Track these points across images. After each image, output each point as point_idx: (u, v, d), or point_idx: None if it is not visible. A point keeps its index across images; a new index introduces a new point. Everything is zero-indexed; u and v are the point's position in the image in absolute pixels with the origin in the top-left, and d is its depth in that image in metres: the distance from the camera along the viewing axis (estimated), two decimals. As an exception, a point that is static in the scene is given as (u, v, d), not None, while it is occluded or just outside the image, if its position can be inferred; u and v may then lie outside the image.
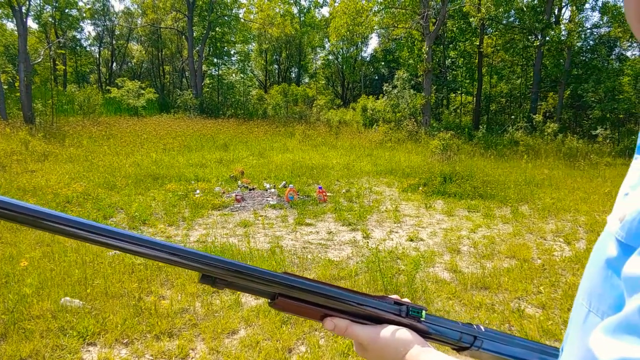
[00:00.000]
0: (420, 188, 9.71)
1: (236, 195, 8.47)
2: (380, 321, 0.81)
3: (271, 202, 8.32)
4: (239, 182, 9.74)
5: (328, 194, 8.87)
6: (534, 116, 19.50)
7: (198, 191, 8.83)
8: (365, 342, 0.79)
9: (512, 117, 24.09)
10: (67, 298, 4.08)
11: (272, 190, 9.10)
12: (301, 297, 0.78)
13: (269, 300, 0.79)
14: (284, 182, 9.79)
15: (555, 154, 15.09)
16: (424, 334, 0.82)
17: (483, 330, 0.84)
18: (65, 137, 14.81)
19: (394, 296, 0.85)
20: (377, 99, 23.76)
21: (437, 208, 8.34)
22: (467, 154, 14.55)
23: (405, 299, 0.84)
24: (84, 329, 3.64)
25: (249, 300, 4.37)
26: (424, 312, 0.82)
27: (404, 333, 0.79)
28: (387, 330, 0.79)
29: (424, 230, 6.89)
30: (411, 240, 6.37)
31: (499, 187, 9.84)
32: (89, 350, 3.47)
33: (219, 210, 7.79)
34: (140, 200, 7.97)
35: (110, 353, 3.40)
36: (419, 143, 16.72)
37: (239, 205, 8.09)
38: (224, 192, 8.92)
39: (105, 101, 25.06)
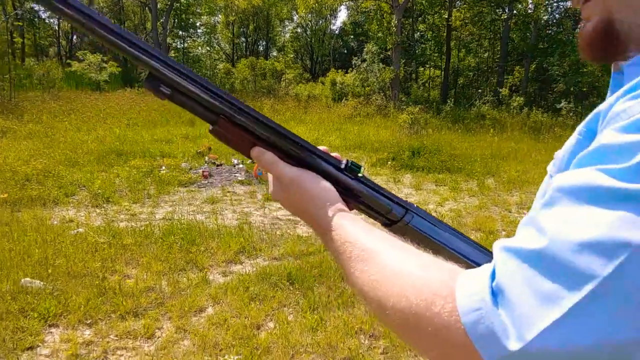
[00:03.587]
0: (389, 162, 9.75)
1: (203, 172, 8.33)
2: (313, 169, 0.77)
3: (239, 178, 8.22)
4: (206, 157, 9.57)
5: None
6: (500, 90, 19.76)
7: (164, 167, 8.64)
8: (287, 181, 0.75)
9: (480, 91, 24.36)
10: (28, 279, 3.95)
11: (240, 166, 8.98)
12: (243, 123, 0.74)
13: (210, 127, 0.75)
14: (252, 157, 9.67)
15: (521, 127, 15.35)
16: (355, 198, 0.78)
17: (415, 207, 0.81)
18: (23, 112, 14.24)
19: (337, 155, 0.82)
20: (347, 73, 23.59)
21: (405, 182, 8.40)
22: (435, 128, 14.66)
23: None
24: (45, 310, 3.53)
25: (217, 278, 4.33)
26: (362, 170, 0.79)
27: (330, 186, 0.75)
28: (314, 176, 0.76)
29: (393, 204, 6.92)
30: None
31: (465, 160, 9.97)
32: (50, 332, 3.38)
33: (185, 186, 7.65)
34: (103, 177, 7.76)
35: (73, 334, 3.32)
36: (387, 117, 16.74)
37: (206, 182, 7.97)
38: (190, 168, 8.77)
39: (65, 75, 24.12)
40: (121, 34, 0.65)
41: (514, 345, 0.40)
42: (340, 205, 0.73)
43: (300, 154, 0.77)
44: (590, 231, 0.41)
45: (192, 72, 0.70)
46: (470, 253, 0.77)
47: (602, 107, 0.53)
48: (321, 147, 0.80)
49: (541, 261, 0.42)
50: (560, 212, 0.44)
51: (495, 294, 0.44)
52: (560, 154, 0.62)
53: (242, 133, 0.75)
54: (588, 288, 0.39)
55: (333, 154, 0.81)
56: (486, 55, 27.42)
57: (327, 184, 0.75)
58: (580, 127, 0.58)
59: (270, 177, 0.82)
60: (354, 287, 0.61)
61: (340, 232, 0.66)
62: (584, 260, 0.40)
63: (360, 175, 0.78)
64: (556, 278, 0.41)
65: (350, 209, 0.78)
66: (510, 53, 24.41)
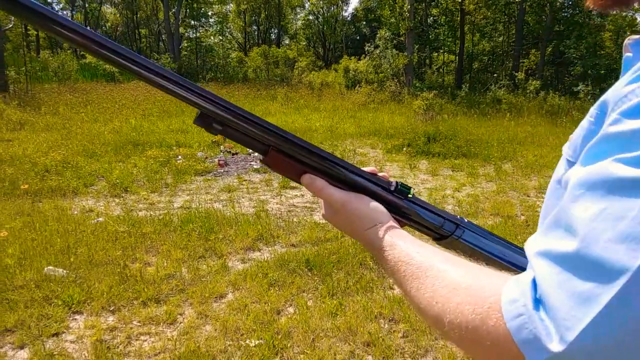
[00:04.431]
0: (404, 149, 9.70)
1: (219, 160, 8.37)
2: (363, 192, 0.80)
3: (255, 166, 8.25)
4: (222, 147, 9.61)
5: (312, 157, 8.81)
6: (516, 74, 19.49)
7: (180, 157, 8.70)
8: (337, 204, 0.79)
9: (495, 75, 24.06)
10: (51, 267, 4.03)
11: (256, 154, 9.00)
12: (292, 152, 0.77)
13: (261, 157, 0.79)
14: (267, 145, 9.69)
15: (538, 111, 15.15)
16: (406, 217, 0.81)
17: (466, 221, 0.83)
18: (40, 104, 14.41)
19: (384, 175, 0.84)
20: (359, 59, 23.44)
21: (421, 168, 8.35)
22: (450, 113, 14.54)
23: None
24: (69, 298, 3.59)
25: (236, 265, 4.36)
26: (412, 191, 0.81)
27: (379, 206, 0.78)
28: (363, 198, 0.78)
29: (409, 190, 6.89)
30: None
31: (482, 145, 9.88)
32: (75, 319, 3.44)
33: (202, 175, 7.70)
34: (121, 168, 7.84)
35: (97, 321, 3.38)
36: (402, 104, 16.64)
37: (222, 170, 8.01)
38: (206, 158, 8.81)
39: (80, 67, 24.34)
40: (169, 76, 0.69)
41: (556, 347, 0.42)
42: (391, 223, 0.75)
43: (348, 178, 0.79)
44: (616, 225, 0.41)
45: (239, 107, 0.74)
46: (523, 262, 0.78)
47: (611, 90, 0.53)
48: (368, 169, 0.83)
49: (574, 263, 0.44)
50: (585, 209, 0.45)
51: (537, 299, 0.45)
52: (575, 135, 0.63)
53: (291, 162, 0.78)
54: (621, 282, 0.40)
55: (380, 174, 0.83)
56: (501, 39, 27.02)
57: (376, 204, 0.78)
58: (592, 110, 0.58)
59: (321, 200, 0.84)
60: (412, 305, 0.62)
61: (393, 252, 0.68)
62: (614, 254, 0.41)
63: (410, 195, 0.81)
64: (590, 277, 0.42)
65: (402, 226, 0.80)
66: (525, 36, 24.02)
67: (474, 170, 8.08)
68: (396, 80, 19.66)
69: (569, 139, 0.66)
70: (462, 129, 11.48)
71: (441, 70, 30.41)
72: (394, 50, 20.60)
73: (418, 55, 25.34)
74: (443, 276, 0.58)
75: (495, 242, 0.81)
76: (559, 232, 0.47)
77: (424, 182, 7.37)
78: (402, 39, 22.03)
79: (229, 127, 0.74)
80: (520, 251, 0.80)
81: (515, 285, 0.49)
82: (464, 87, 21.00)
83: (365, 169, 0.82)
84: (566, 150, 0.65)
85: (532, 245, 0.50)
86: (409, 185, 0.81)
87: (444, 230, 0.81)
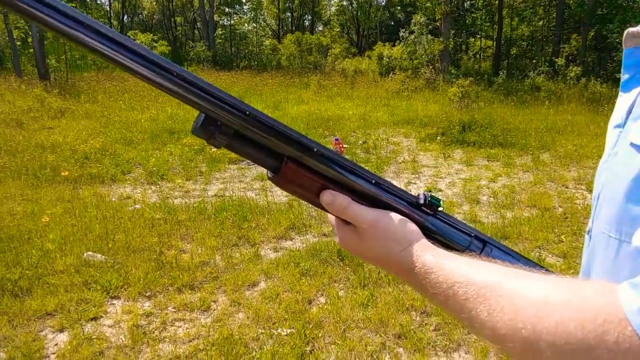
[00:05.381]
0: (439, 137, 9.56)
1: (252, 148, 8.42)
2: (387, 208, 0.69)
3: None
4: (255, 134, 9.67)
5: (344, 146, 8.78)
6: (556, 60, 18.88)
7: (214, 145, 8.80)
8: (364, 225, 0.67)
9: (534, 61, 23.37)
10: (90, 253, 4.15)
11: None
12: (312, 165, 0.65)
13: (270, 175, 0.68)
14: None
15: (578, 99, 14.65)
16: (431, 234, 0.71)
17: (493, 240, 0.75)
18: (80, 93, 14.78)
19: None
20: (394, 46, 23.10)
21: (455, 158, 8.22)
22: (487, 101, 14.22)
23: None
24: (108, 283, 3.71)
25: (268, 253, 4.40)
26: (442, 203, 0.71)
27: (409, 222, 0.68)
28: (393, 216, 0.68)
29: (443, 180, 6.81)
30: (430, 191, 6.31)
31: (519, 134, 9.64)
32: (112, 304, 3.54)
33: (235, 164, 7.78)
34: (157, 155, 7.99)
35: (133, 306, 3.47)
36: (436, 91, 16.35)
37: (255, 158, 8.06)
38: (240, 145, 8.88)
39: (118, 55, 24.80)
40: (161, 63, 0.54)
41: None
42: (428, 242, 0.66)
43: (374, 193, 0.69)
44: None
45: (255, 109, 0.60)
46: None
47: None
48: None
49: None
50: None
51: None
52: (625, 106, 0.60)
53: (313, 177, 0.66)
54: None
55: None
56: (541, 23, 26.17)
57: (406, 220, 0.68)
58: None
59: (334, 222, 0.73)
60: (482, 334, 0.52)
61: (443, 273, 0.58)
62: None
63: (440, 209, 0.72)
64: None
65: None
66: (566, 20, 23.21)
67: (510, 160, 7.90)
68: (431, 67, 19.33)
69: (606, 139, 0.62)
70: (499, 117, 11.22)
71: (478, 56, 29.72)
72: (429, 35, 20.22)
73: (454, 41, 24.81)
74: (524, 294, 0.49)
75: (522, 260, 0.73)
76: None
77: (459, 172, 7.26)
78: (437, 24, 21.59)
79: (239, 137, 0.61)
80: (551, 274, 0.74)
81: (633, 290, 0.43)
82: (501, 73, 20.47)
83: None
84: (615, 120, 0.61)
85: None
86: (438, 197, 0.71)
87: (471, 251, 0.72)
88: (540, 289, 0.48)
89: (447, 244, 0.72)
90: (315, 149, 0.64)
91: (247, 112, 0.59)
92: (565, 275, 0.51)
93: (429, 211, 0.71)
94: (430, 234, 0.71)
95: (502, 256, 0.72)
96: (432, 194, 0.71)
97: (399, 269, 0.66)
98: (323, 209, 0.69)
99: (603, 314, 0.42)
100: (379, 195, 0.69)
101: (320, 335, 3.15)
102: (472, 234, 0.73)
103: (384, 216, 0.67)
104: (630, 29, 0.62)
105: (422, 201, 0.70)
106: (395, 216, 0.68)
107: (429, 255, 0.62)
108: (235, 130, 0.60)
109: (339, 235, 0.72)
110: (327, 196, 0.67)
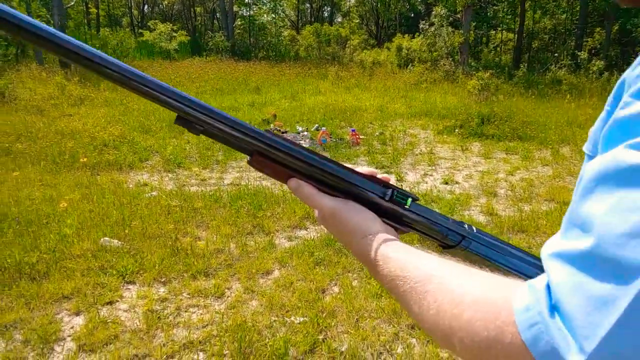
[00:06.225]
0: (457, 130, 9.45)
1: (269, 138, 8.42)
2: (355, 199, 0.73)
3: (304, 145, 8.26)
4: (272, 125, 9.67)
5: (361, 137, 8.74)
6: (578, 53, 18.54)
7: (231, 134, 8.82)
8: (326, 214, 0.73)
9: (556, 55, 22.98)
10: (107, 238, 4.20)
11: (305, 133, 9.02)
12: (278, 158, 0.73)
13: (248, 158, 0.75)
14: (316, 125, 9.68)
15: (600, 93, 14.36)
16: (406, 225, 0.74)
17: (474, 231, 0.75)
18: (100, 81, 14.91)
19: (386, 176, 0.77)
20: (413, 37, 22.89)
21: (473, 150, 8.13)
22: (507, 94, 14.01)
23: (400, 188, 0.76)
24: (124, 268, 3.74)
25: (282, 242, 4.41)
26: (410, 200, 0.73)
27: (370, 215, 0.72)
28: (353, 206, 0.72)
29: (460, 173, 6.74)
30: (446, 183, 6.25)
31: (539, 128, 9.50)
32: (128, 289, 3.58)
33: (252, 153, 7.78)
34: (174, 144, 8.04)
35: (149, 291, 3.50)
36: (455, 83, 16.17)
37: (271, 148, 8.06)
38: (256, 135, 8.89)
39: (138, 45, 25.02)
40: (150, 82, 0.71)
41: (576, 358, 0.38)
42: (384, 235, 0.67)
43: (339, 184, 0.73)
44: (631, 218, 0.37)
45: (217, 110, 0.73)
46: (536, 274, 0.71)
47: (626, 72, 0.48)
48: (366, 170, 0.75)
49: (590, 263, 0.39)
50: (598, 203, 0.40)
51: (552, 305, 0.41)
52: (593, 129, 0.57)
53: (276, 166, 0.74)
54: None
55: (381, 176, 0.76)
56: (564, 16, 25.67)
57: (367, 213, 0.72)
58: (609, 98, 0.52)
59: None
60: (418, 324, 0.56)
61: (387, 266, 0.62)
62: (631, 251, 0.36)
63: (407, 206, 0.73)
64: (607, 278, 0.38)
65: (402, 233, 0.75)
66: (590, 13, 22.75)
67: (529, 153, 7.79)
68: (450, 59, 19.12)
69: (587, 136, 0.60)
70: (519, 110, 11.06)
71: (498, 49, 29.29)
72: (449, 28, 19.99)
73: (475, 33, 24.49)
74: (446, 289, 0.52)
75: (508, 253, 0.73)
76: (574, 231, 0.43)
77: (476, 164, 7.18)
78: (458, 16, 21.32)
79: (209, 130, 0.72)
80: (538, 262, 0.72)
81: (528, 291, 0.44)
82: (522, 66, 20.17)
83: (363, 170, 0.75)
84: (587, 146, 0.59)
85: (547, 247, 0.46)
86: (409, 192, 0.74)
87: (450, 240, 0.74)
88: (459, 286, 0.51)
89: (426, 233, 0.75)
90: (276, 145, 0.72)
91: (210, 114, 0.71)
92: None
93: (396, 206, 0.74)
94: (406, 224, 0.75)
95: (482, 250, 0.74)
96: (403, 190, 0.74)
97: (358, 257, 0.70)
98: None
99: (503, 314, 0.44)
100: (344, 186, 0.73)
101: (333, 324, 3.14)
102: (449, 227, 0.74)
103: (344, 206, 0.72)
104: None
105: (387, 198, 0.73)
106: (356, 206, 0.72)
107: (381, 248, 0.65)
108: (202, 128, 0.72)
109: (316, 215, 0.77)
110: (292, 184, 0.74)
